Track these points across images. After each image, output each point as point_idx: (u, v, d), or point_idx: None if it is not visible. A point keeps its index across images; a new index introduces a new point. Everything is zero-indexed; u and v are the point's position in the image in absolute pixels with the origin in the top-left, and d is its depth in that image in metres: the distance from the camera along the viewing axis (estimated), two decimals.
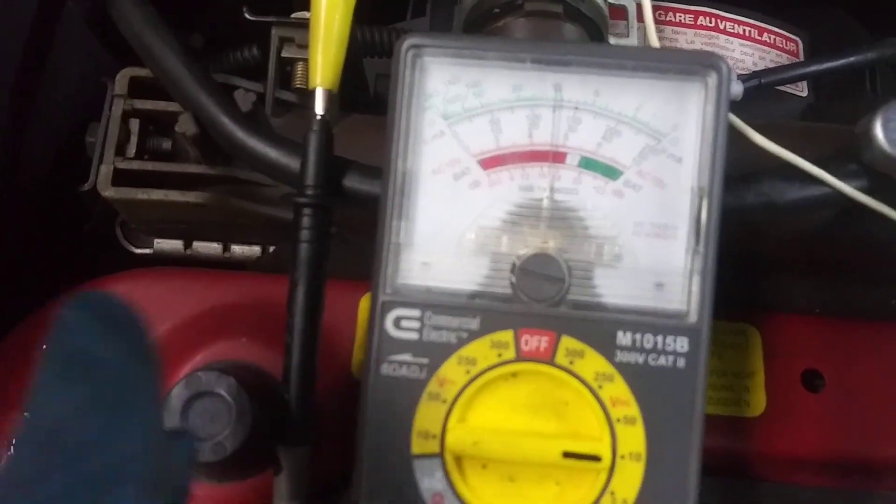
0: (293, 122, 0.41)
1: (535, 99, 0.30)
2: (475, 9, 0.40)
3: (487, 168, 0.30)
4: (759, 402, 0.40)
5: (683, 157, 0.30)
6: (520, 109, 0.30)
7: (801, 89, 0.55)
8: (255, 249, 0.44)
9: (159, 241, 0.44)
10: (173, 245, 0.44)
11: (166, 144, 0.41)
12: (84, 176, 0.40)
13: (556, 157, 0.30)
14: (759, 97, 0.51)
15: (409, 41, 0.30)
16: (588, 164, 0.30)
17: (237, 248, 0.44)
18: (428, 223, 0.30)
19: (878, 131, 0.33)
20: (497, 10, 0.39)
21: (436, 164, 0.30)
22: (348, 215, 0.36)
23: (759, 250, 0.41)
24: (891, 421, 0.41)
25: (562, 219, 0.30)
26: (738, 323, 0.42)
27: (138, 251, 0.43)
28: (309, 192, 0.33)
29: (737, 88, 0.49)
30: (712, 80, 0.29)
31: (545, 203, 0.30)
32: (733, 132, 0.35)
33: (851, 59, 0.52)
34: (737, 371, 0.40)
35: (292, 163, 0.35)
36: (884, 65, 0.55)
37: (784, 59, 0.55)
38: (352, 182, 0.35)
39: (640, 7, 0.53)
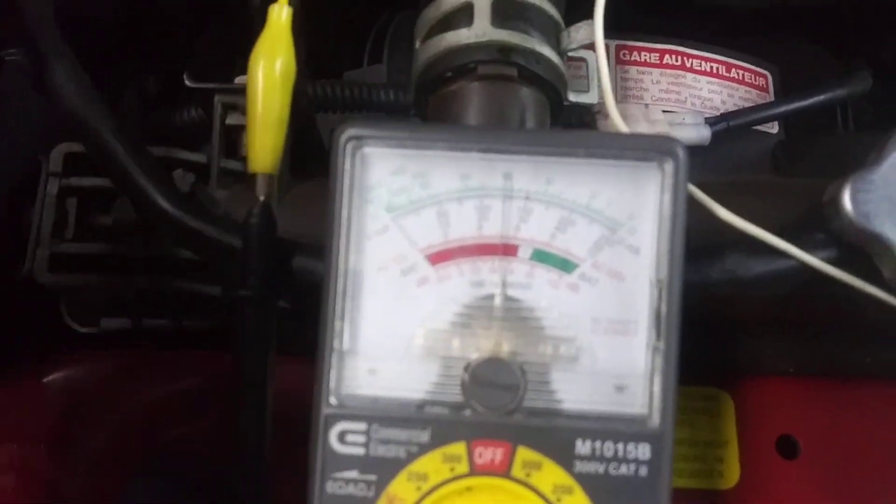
0: (241, 194, 0.39)
1: (483, 189, 0.28)
2: (426, 72, 0.38)
3: (435, 263, 0.28)
4: (732, 473, 0.39)
5: (641, 248, 0.28)
6: (468, 200, 0.28)
7: (772, 127, 0.53)
8: (209, 323, 0.42)
9: (106, 319, 0.42)
10: (121, 323, 0.42)
11: (108, 222, 0.39)
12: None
13: (508, 249, 0.28)
14: (728, 137, 0.50)
15: (348, 132, 0.28)
16: (541, 256, 0.28)
17: (189, 323, 0.42)
18: (373, 326, 0.28)
19: (846, 203, 0.32)
20: (449, 74, 0.37)
21: (380, 260, 0.28)
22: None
23: (728, 313, 0.39)
24: (869, 485, 0.40)
25: (515, 317, 0.28)
26: (709, 388, 0.40)
27: (84, 330, 0.41)
28: (251, 282, 0.32)
29: (704, 133, 0.48)
30: (668, 166, 0.28)
31: (497, 300, 0.28)
32: (695, 204, 0.33)
33: (821, 96, 0.50)
34: (709, 440, 0.39)
35: (236, 247, 0.33)
36: (854, 99, 0.53)
37: (754, 95, 0.54)
38: (299, 266, 0.33)
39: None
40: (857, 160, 0.36)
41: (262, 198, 0.32)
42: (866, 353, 0.42)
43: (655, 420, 0.27)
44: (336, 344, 0.28)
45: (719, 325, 0.41)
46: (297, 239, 0.35)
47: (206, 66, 0.48)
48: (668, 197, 0.28)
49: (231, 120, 0.40)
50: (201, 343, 0.43)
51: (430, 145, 0.28)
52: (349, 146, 0.28)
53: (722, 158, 0.51)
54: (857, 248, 0.33)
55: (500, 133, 0.29)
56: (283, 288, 0.33)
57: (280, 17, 0.32)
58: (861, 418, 0.40)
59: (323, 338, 0.28)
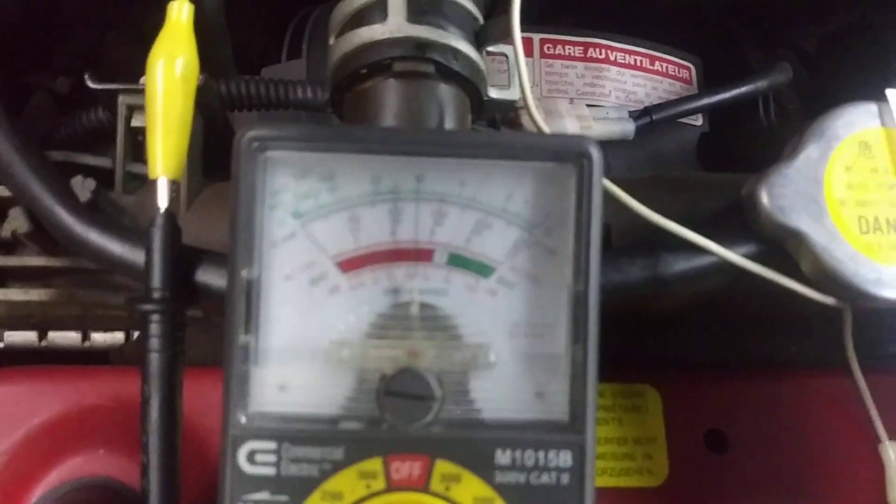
0: (149, 199, 0.37)
1: (396, 192, 0.27)
2: (340, 69, 0.37)
3: (347, 270, 0.27)
4: (661, 469, 0.39)
5: (558, 250, 0.27)
6: (380, 204, 0.27)
7: (696, 119, 0.53)
8: (118, 336, 0.40)
9: (10, 332, 0.39)
10: (26, 337, 0.39)
11: (5, 233, 0.36)
12: None
13: (422, 255, 0.27)
14: (652, 130, 0.50)
15: (249, 134, 0.27)
16: (457, 261, 0.27)
17: (98, 336, 0.40)
18: (282, 338, 0.27)
19: (763, 198, 0.32)
20: (364, 71, 0.36)
21: (288, 269, 0.27)
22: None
23: (652, 309, 0.39)
24: (797, 476, 0.40)
25: (432, 325, 0.27)
26: (636, 384, 0.40)
27: None
28: (155, 296, 0.30)
29: (628, 127, 0.48)
30: (582, 165, 0.27)
31: (413, 308, 0.27)
32: (615, 203, 0.33)
33: (744, 88, 0.51)
34: (637, 437, 0.39)
35: (140, 258, 0.32)
36: (776, 90, 0.54)
37: (678, 87, 0.54)
38: (205, 277, 0.32)
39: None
40: (777, 153, 0.36)
41: (163, 206, 0.30)
42: (791, 343, 0.42)
43: (576, 426, 0.26)
44: (242, 359, 0.27)
45: (644, 321, 0.41)
46: (210, 245, 0.33)
47: (116, 66, 0.46)
48: (583, 197, 0.27)
49: (136, 122, 0.38)
50: (112, 357, 0.41)
51: (338, 147, 0.27)
52: (251, 150, 0.27)
53: (646, 151, 0.51)
54: (776, 243, 0.33)
55: (411, 134, 0.28)
56: (191, 299, 0.31)
57: (180, 15, 0.30)
58: (787, 409, 0.41)
59: (228, 353, 0.27)
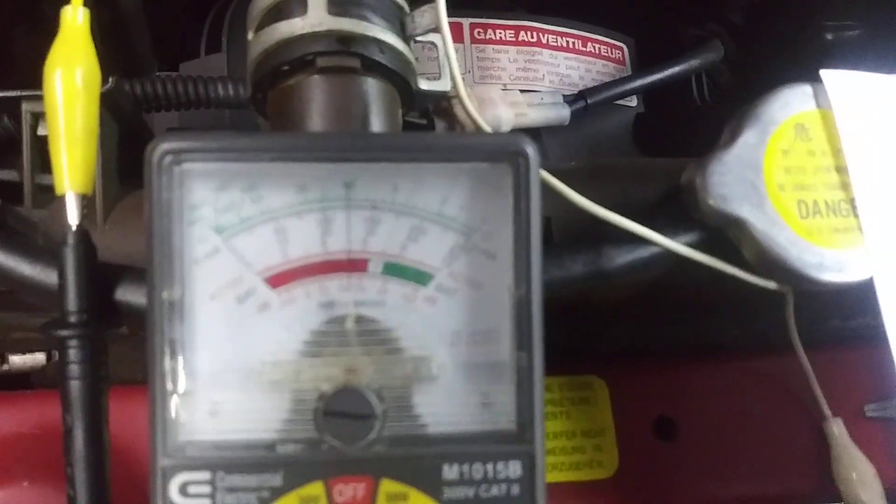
0: (63, 212, 0.35)
1: (324, 200, 0.26)
2: (261, 66, 0.35)
3: (276, 286, 0.26)
4: (611, 461, 0.38)
5: (497, 253, 0.26)
6: (308, 214, 0.26)
7: (631, 100, 0.53)
8: (39, 357, 0.38)
9: None
10: None
11: None
12: None
13: (356, 265, 0.26)
14: (588, 114, 0.49)
15: (161, 147, 0.25)
16: (393, 269, 0.26)
17: (16, 359, 0.38)
18: (211, 361, 0.25)
19: (702, 186, 0.31)
20: (286, 68, 0.34)
21: (213, 287, 0.25)
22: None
23: (595, 299, 0.38)
24: (746, 458, 0.40)
25: (369, 339, 0.26)
26: (584, 376, 0.39)
27: None
28: (72, 319, 0.28)
29: (563, 112, 0.47)
30: (519, 165, 0.26)
31: (348, 322, 0.26)
32: (555, 195, 0.32)
33: (676, 69, 0.50)
34: (586, 429, 0.38)
35: (53, 279, 0.29)
36: (708, 68, 0.54)
37: (611, 69, 0.53)
38: (125, 295, 0.30)
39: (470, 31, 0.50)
40: (712, 131, 0.36)
41: (74, 223, 0.28)
42: (734, 326, 0.42)
43: (524, 435, 0.25)
44: (168, 385, 0.25)
45: (588, 311, 0.40)
46: (133, 258, 0.31)
47: (26, 63, 0.43)
48: (521, 198, 0.26)
49: (44, 130, 0.35)
50: (33, 381, 0.39)
51: (260, 156, 0.25)
52: (165, 163, 0.25)
53: (583, 135, 0.50)
54: (717, 230, 0.32)
55: (338, 138, 0.27)
56: (111, 320, 0.29)
57: (75, 19, 0.28)
58: (733, 392, 0.41)
59: (152, 379, 0.25)
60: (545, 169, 0.40)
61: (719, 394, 0.40)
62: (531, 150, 0.26)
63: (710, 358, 0.41)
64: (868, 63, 0.62)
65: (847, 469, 0.38)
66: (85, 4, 0.57)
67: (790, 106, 0.32)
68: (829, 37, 0.64)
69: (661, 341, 0.41)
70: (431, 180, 0.26)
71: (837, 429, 0.40)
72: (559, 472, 0.38)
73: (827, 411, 0.40)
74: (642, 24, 0.58)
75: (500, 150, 0.26)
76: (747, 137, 0.32)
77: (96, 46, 0.60)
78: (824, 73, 0.33)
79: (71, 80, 0.28)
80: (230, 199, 0.25)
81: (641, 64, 0.55)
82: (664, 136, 0.53)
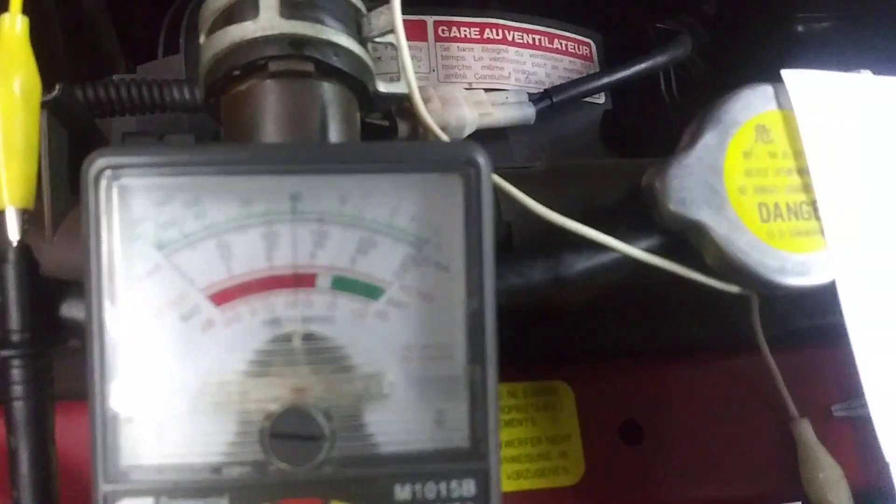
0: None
1: (269, 214, 0.25)
2: (213, 70, 0.34)
3: (221, 303, 0.25)
4: (577, 467, 0.38)
5: (450, 265, 0.25)
6: (252, 228, 0.25)
7: (599, 97, 0.52)
8: None
9: None
10: None
11: None
12: None
13: (303, 280, 0.25)
14: (553, 112, 0.49)
15: (98, 162, 0.24)
16: (343, 284, 0.25)
17: None
18: (154, 382, 0.24)
19: (662, 190, 0.31)
20: (238, 73, 0.33)
21: (155, 305, 0.25)
22: None
23: (555, 303, 0.38)
24: (712, 459, 0.40)
25: (318, 357, 0.25)
26: (548, 381, 0.39)
27: None
28: (14, 339, 0.27)
29: (528, 112, 0.46)
30: (469, 175, 0.25)
31: (295, 339, 0.25)
32: (519, 209, 0.31)
33: (643, 65, 0.50)
34: (551, 435, 0.38)
35: None
36: (676, 64, 0.53)
37: (578, 65, 0.53)
38: (70, 311, 0.29)
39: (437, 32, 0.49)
40: (680, 127, 0.35)
41: (15, 239, 0.27)
42: (701, 326, 0.42)
43: (478, 452, 0.25)
44: (109, 408, 0.24)
45: (549, 315, 0.39)
46: (82, 270, 0.30)
47: None
48: (472, 209, 0.25)
49: None
50: None
51: (201, 169, 0.24)
52: (103, 179, 0.24)
53: (549, 134, 0.49)
54: (678, 234, 0.32)
55: (283, 150, 0.26)
56: (56, 338, 0.29)
57: (13, 27, 0.27)
58: (699, 393, 0.40)
59: (92, 402, 0.24)
60: (509, 169, 0.40)
61: (685, 396, 0.40)
62: (482, 159, 0.25)
63: (676, 359, 0.40)
64: (838, 55, 0.62)
65: (813, 470, 0.38)
66: (45, 6, 0.55)
67: (751, 107, 0.32)
68: (800, 29, 0.63)
69: (625, 342, 0.41)
70: (380, 191, 0.25)
71: (804, 429, 0.39)
72: (524, 479, 0.37)
73: (794, 411, 0.40)
74: (610, 19, 0.58)
75: (450, 160, 0.25)
76: (707, 139, 0.31)
77: (61, 45, 0.59)
78: (785, 73, 0.32)
79: (8, 92, 0.27)
80: (171, 214, 0.25)
81: (610, 60, 0.54)
82: (632, 134, 0.52)
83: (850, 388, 0.41)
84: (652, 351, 0.41)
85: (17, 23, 0.27)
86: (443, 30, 0.49)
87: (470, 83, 0.48)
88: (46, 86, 0.32)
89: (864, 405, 0.32)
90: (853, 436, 0.41)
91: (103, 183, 0.24)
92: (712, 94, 0.44)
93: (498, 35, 0.50)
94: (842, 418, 0.41)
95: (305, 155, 0.25)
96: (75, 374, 0.32)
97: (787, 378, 0.40)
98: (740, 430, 0.40)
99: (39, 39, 0.28)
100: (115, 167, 0.24)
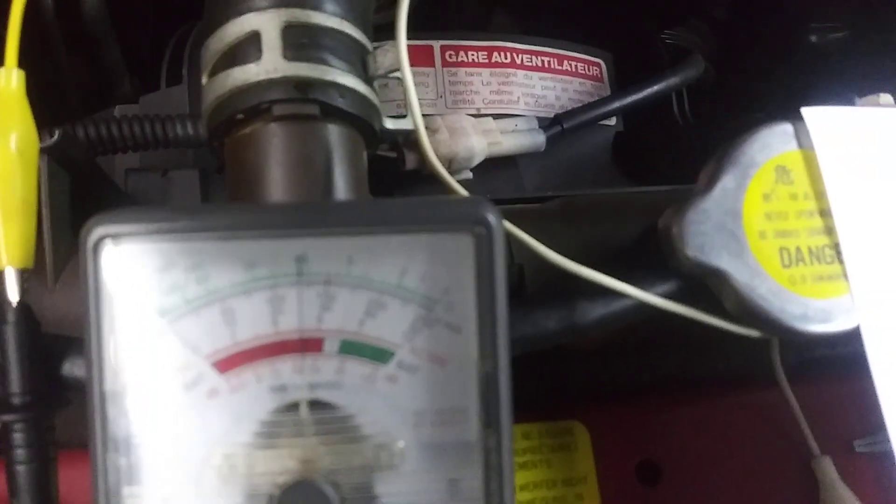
0: None
1: (274, 277, 0.24)
2: (216, 114, 0.33)
3: (225, 370, 0.24)
4: None
5: (462, 326, 0.25)
6: (257, 292, 0.24)
7: (610, 119, 0.51)
8: None
9: None
10: None
11: None
12: None
13: (310, 344, 0.24)
14: (564, 137, 0.48)
15: (96, 231, 0.23)
16: (351, 348, 0.24)
17: None
18: (157, 454, 0.24)
19: (679, 237, 0.30)
20: (242, 117, 0.32)
21: (158, 374, 0.24)
22: None
23: (569, 346, 0.37)
24: (732, 498, 0.39)
25: (326, 426, 0.24)
26: (564, 421, 0.38)
27: None
28: (16, 402, 0.26)
29: (539, 139, 0.45)
30: (480, 234, 0.24)
31: (303, 407, 0.24)
32: (525, 249, 0.30)
33: (655, 87, 0.49)
34: (567, 477, 0.37)
35: None
36: (688, 85, 0.52)
37: (589, 86, 0.52)
38: (73, 369, 0.28)
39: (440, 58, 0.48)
40: (693, 149, 0.34)
41: (14, 299, 0.26)
42: (719, 360, 0.41)
43: None
44: (112, 480, 0.23)
45: (565, 355, 0.38)
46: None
47: None
48: (484, 268, 0.24)
49: None
50: None
51: (204, 234, 0.24)
52: (102, 247, 0.23)
53: (560, 159, 0.48)
54: (695, 280, 0.31)
55: (288, 211, 0.25)
56: (58, 399, 0.28)
57: (9, 82, 0.26)
58: (718, 429, 0.39)
59: (94, 475, 0.23)
60: (521, 202, 0.39)
61: (703, 434, 0.39)
62: (493, 217, 0.24)
63: (693, 395, 0.40)
64: (853, 67, 0.61)
65: None
66: (46, 15, 0.54)
67: (770, 147, 0.31)
68: (814, 39, 0.62)
69: (642, 380, 0.40)
70: (389, 251, 0.24)
71: (826, 467, 0.38)
72: None
73: (815, 449, 0.39)
74: (618, 33, 0.56)
75: (460, 219, 0.24)
76: (725, 182, 0.30)
77: (63, 59, 0.58)
78: (805, 111, 0.31)
79: (5, 150, 0.26)
80: (173, 279, 0.24)
81: (620, 77, 0.53)
82: (645, 156, 0.51)
83: (872, 422, 0.40)
84: (668, 387, 0.40)
85: (13, 77, 0.26)
86: (450, 54, 0.48)
87: (478, 109, 0.48)
88: (51, 115, 0.31)
89: (887, 440, 0.31)
90: (876, 472, 0.40)
91: (103, 251, 0.23)
92: (725, 113, 0.42)
93: (506, 58, 0.49)
94: (864, 454, 0.40)
95: (311, 216, 0.24)
96: (80, 422, 0.32)
97: (807, 412, 0.39)
98: (760, 468, 0.39)
99: (41, 55, 0.27)
100: (114, 235, 0.23)
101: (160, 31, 0.66)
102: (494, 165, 0.44)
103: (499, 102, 0.48)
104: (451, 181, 0.33)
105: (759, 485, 0.39)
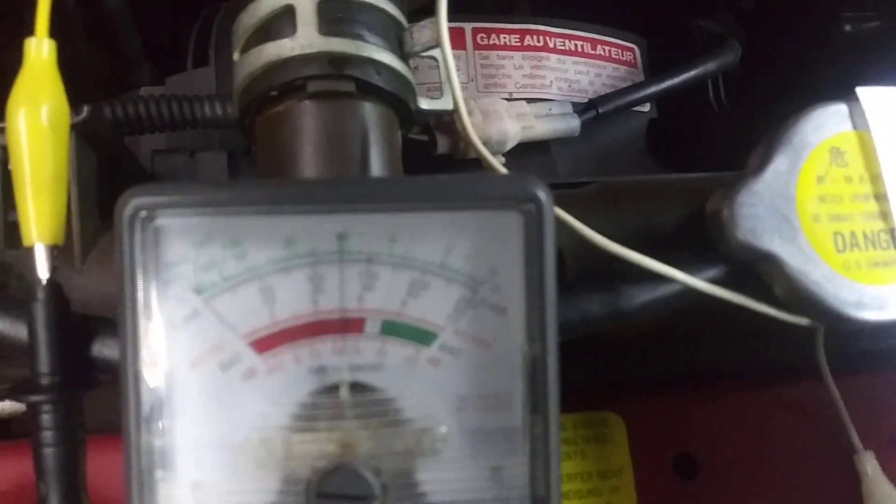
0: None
1: (314, 254, 0.23)
2: (247, 91, 0.32)
3: (263, 351, 0.23)
4: (629, 503, 0.36)
5: (508, 307, 0.24)
6: (296, 270, 0.23)
7: (644, 105, 0.50)
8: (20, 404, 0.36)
9: None
10: None
11: None
12: None
13: (351, 325, 0.23)
14: (599, 123, 0.47)
15: (132, 203, 0.22)
16: (392, 329, 0.23)
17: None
18: (192, 434, 0.23)
19: (731, 219, 0.28)
20: (275, 94, 0.31)
21: (193, 353, 0.23)
22: None
23: (609, 333, 0.36)
24: (771, 493, 0.37)
25: (366, 408, 0.23)
26: (600, 412, 0.37)
27: None
28: (44, 382, 0.26)
29: (573, 123, 0.44)
30: (531, 212, 0.23)
31: (343, 389, 0.23)
32: (571, 233, 0.29)
33: (691, 73, 0.47)
34: (602, 469, 0.36)
35: (24, 332, 0.27)
36: (725, 71, 0.51)
37: (622, 72, 0.50)
38: (102, 350, 0.27)
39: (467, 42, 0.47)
40: (729, 135, 0.33)
41: (44, 277, 0.26)
42: (759, 352, 0.40)
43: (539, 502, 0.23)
44: (146, 461, 0.23)
45: (602, 344, 0.37)
46: (111, 300, 0.29)
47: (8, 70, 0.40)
48: (533, 248, 0.23)
49: None
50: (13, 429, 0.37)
51: (243, 209, 0.23)
52: (137, 220, 0.22)
53: (593, 145, 0.47)
54: (744, 265, 0.30)
55: (329, 186, 0.24)
56: (87, 380, 0.27)
57: (40, 52, 0.25)
58: (756, 424, 0.38)
59: (127, 457, 0.22)
60: (556, 187, 0.38)
61: (742, 427, 0.38)
62: (543, 194, 0.23)
63: (732, 387, 0.38)
64: (887, 55, 0.59)
65: None
66: (68, 2, 0.54)
67: (824, 128, 0.29)
68: (848, 28, 0.61)
69: (679, 370, 0.39)
70: (433, 229, 0.23)
71: (869, 463, 0.37)
72: None
73: (858, 444, 0.37)
74: (653, 20, 0.55)
75: (508, 196, 0.23)
76: (778, 164, 0.29)
77: (83, 46, 0.57)
78: (861, 91, 0.30)
79: (36, 121, 0.25)
80: (211, 256, 0.23)
81: (654, 62, 0.52)
82: (679, 142, 0.50)
83: None
84: (707, 379, 0.39)
85: (44, 47, 0.25)
86: (481, 37, 0.47)
87: (510, 93, 0.46)
88: (72, 100, 0.30)
89: None
90: None
91: (138, 224, 0.22)
92: (759, 102, 0.41)
93: (539, 42, 0.48)
94: None
95: (353, 191, 0.23)
96: (107, 406, 0.31)
97: (850, 406, 0.38)
98: (801, 462, 0.38)
99: (61, 43, 0.26)
100: (150, 207, 0.22)
101: (178, 19, 0.66)
102: (527, 150, 0.43)
103: (531, 86, 0.47)
104: (492, 160, 0.32)
105: (800, 479, 0.38)
